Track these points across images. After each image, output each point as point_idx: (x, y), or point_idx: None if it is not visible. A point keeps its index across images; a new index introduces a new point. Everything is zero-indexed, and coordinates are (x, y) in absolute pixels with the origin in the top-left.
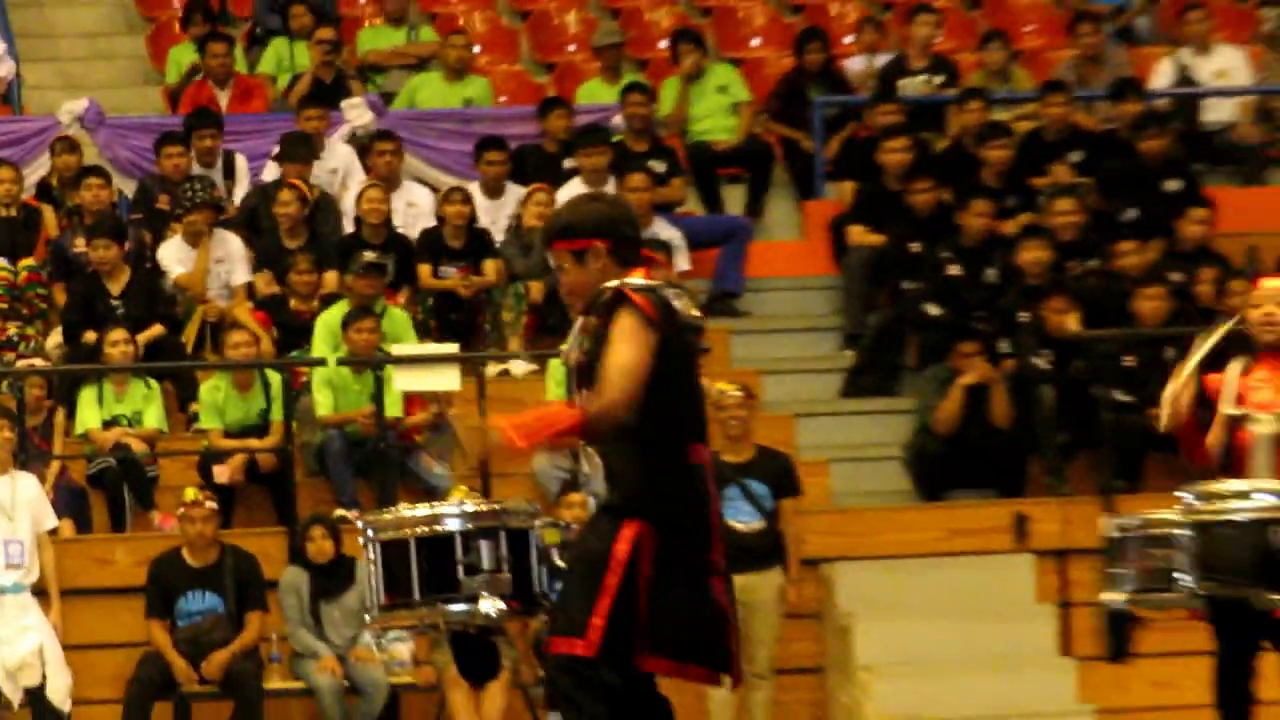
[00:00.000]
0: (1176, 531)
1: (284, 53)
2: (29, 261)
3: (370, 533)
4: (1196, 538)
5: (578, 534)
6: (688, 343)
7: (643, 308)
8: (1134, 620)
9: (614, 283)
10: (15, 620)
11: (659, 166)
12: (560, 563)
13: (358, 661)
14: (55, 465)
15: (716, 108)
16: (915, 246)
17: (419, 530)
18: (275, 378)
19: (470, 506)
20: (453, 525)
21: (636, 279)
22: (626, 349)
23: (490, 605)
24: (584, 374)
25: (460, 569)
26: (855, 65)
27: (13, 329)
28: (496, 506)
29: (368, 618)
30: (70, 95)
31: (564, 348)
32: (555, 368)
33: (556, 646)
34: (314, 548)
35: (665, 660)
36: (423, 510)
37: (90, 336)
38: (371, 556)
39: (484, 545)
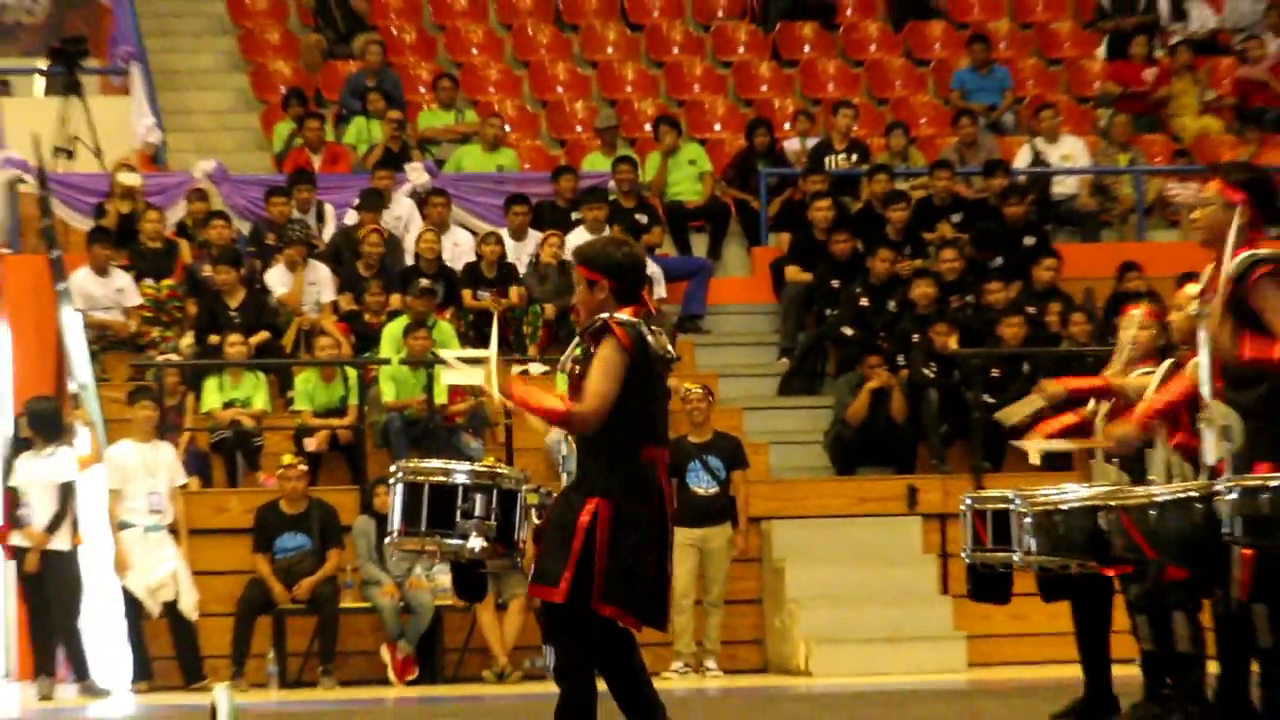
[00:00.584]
0: (1022, 510)
1: (362, 129)
2: (169, 282)
3: (398, 474)
4: (1038, 518)
5: (553, 502)
6: (654, 370)
7: (620, 339)
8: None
9: (605, 315)
10: (155, 552)
11: (643, 219)
12: (536, 520)
13: (411, 588)
14: (185, 436)
15: (687, 176)
16: (835, 283)
17: (433, 479)
18: (352, 373)
19: (474, 466)
20: (459, 479)
21: (624, 315)
22: (601, 377)
23: (476, 543)
24: (573, 381)
25: (458, 513)
26: (792, 145)
27: (155, 332)
28: (495, 469)
29: (387, 539)
30: (201, 157)
31: (563, 358)
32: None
33: (537, 593)
34: (379, 501)
35: (610, 607)
36: (439, 464)
37: (214, 339)
38: (396, 492)
39: (479, 497)
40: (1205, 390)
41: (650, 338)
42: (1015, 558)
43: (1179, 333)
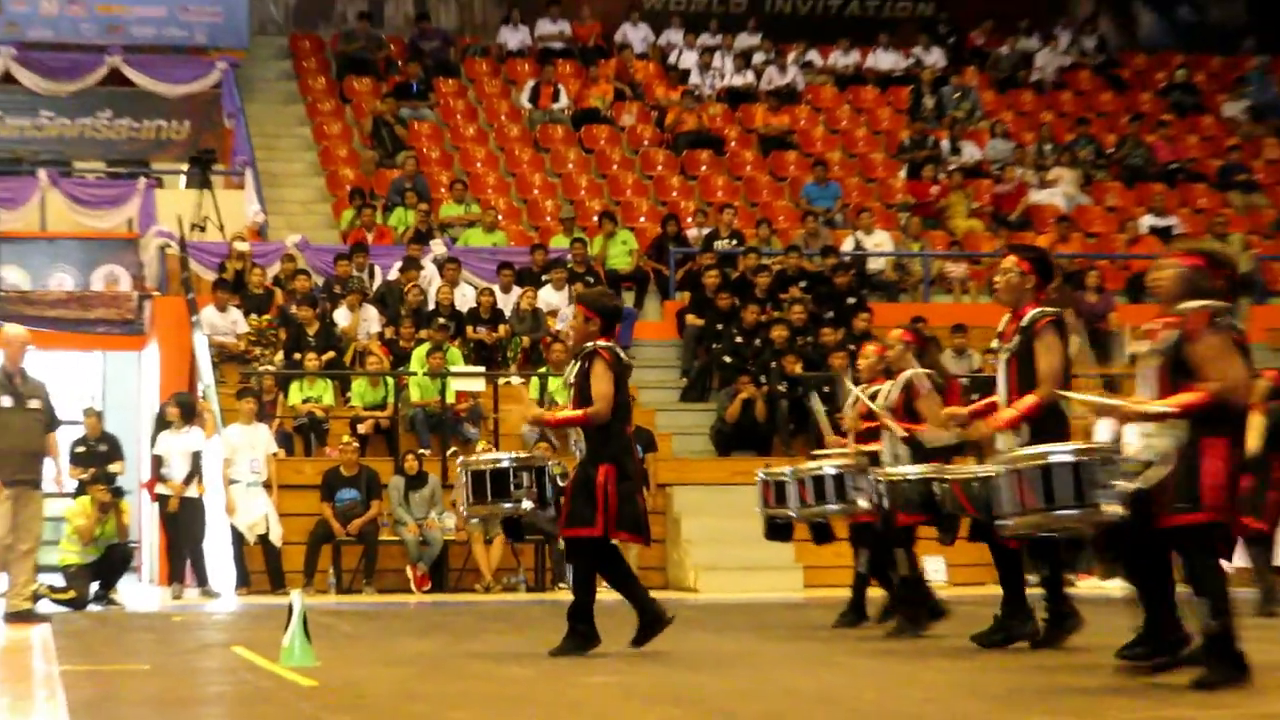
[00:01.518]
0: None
1: (401, 216)
2: (268, 317)
3: (464, 467)
4: (805, 483)
5: (573, 470)
6: (625, 377)
7: (606, 358)
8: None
9: (592, 344)
10: (253, 500)
11: (590, 280)
12: (562, 484)
13: (428, 527)
14: (276, 422)
15: (621, 252)
16: (719, 327)
17: (490, 466)
18: (390, 381)
19: (515, 454)
20: (506, 464)
21: (605, 342)
22: (601, 384)
23: (526, 504)
24: (576, 391)
25: (512, 485)
26: (692, 233)
27: (257, 351)
28: (531, 455)
29: (462, 510)
30: (291, 232)
31: (564, 376)
32: (534, 383)
33: (575, 533)
34: (407, 466)
35: (625, 534)
36: (489, 455)
37: (297, 356)
38: (463, 479)
39: (524, 474)
40: (1004, 398)
41: (622, 355)
42: (791, 512)
43: (889, 361)
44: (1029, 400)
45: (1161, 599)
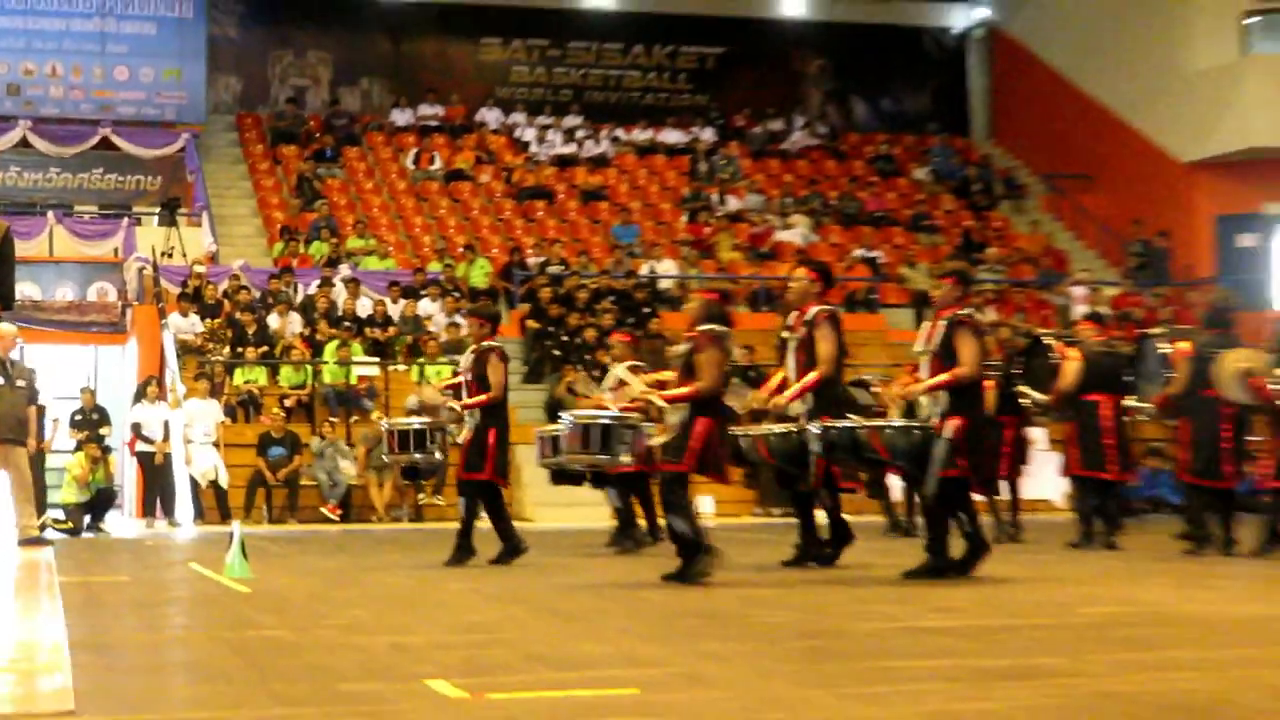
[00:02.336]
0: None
1: (319, 246)
2: (219, 320)
3: (390, 427)
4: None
5: (469, 432)
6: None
7: (500, 353)
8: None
9: (487, 343)
10: (206, 455)
11: (456, 295)
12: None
13: (340, 472)
14: (224, 397)
15: (480, 274)
16: (551, 329)
17: (408, 427)
18: (309, 368)
19: (615, 413)
20: (418, 425)
21: (494, 341)
22: (498, 374)
23: (439, 455)
24: (468, 381)
25: (428, 442)
26: (531, 261)
27: (211, 345)
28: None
29: (386, 458)
30: (237, 258)
31: (462, 365)
32: (414, 369)
33: (469, 476)
34: (324, 430)
35: (499, 479)
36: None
37: (240, 350)
38: (387, 436)
39: (437, 434)
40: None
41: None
42: (562, 459)
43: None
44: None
45: (808, 521)
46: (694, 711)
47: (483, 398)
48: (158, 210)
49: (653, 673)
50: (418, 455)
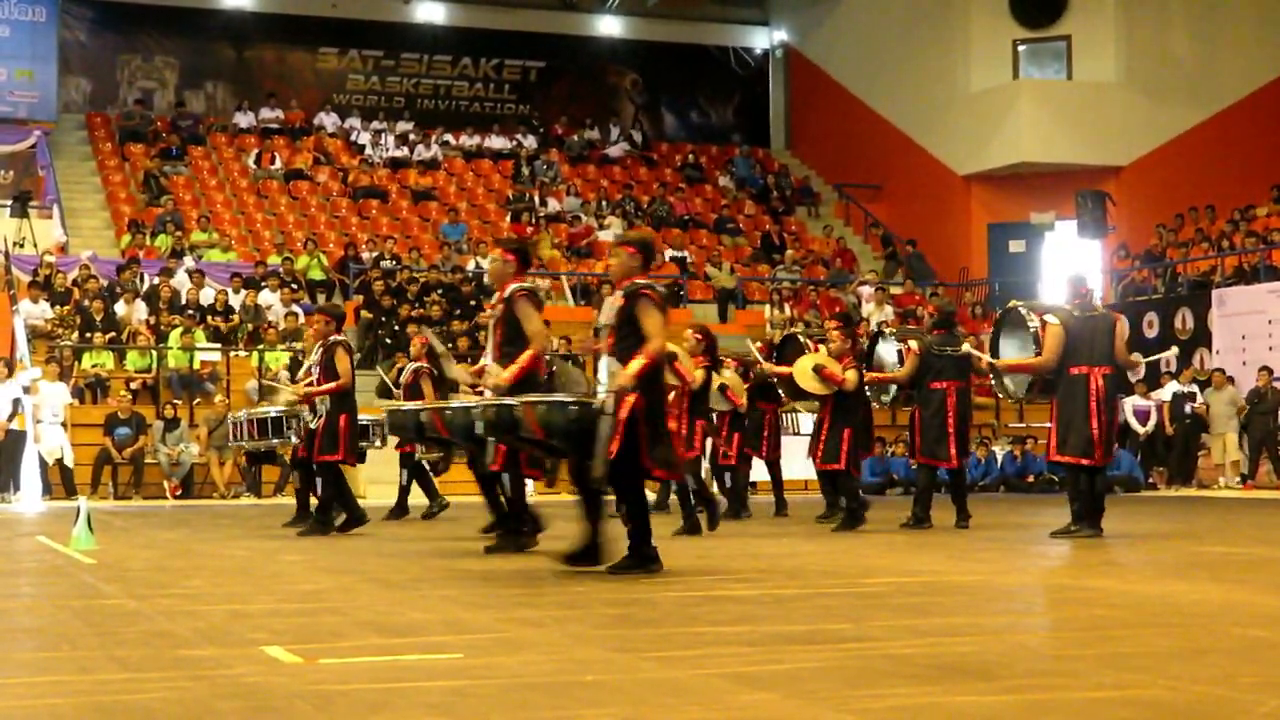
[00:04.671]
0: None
1: (164, 239)
2: (69, 308)
3: (248, 415)
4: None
5: (324, 416)
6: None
7: (347, 347)
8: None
9: (335, 338)
10: (54, 434)
11: (295, 286)
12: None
13: (182, 454)
14: (73, 380)
15: (317, 266)
16: (383, 319)
17: (265, 415)
18: (154, 352)
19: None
20: (275, 414)
21: (340, 336)
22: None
23: (294, 440)
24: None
25: (285, 428)
26: (365, 255)
27: (61, 331)
28: (293, 408)
29: (243, 444)
30: (85, 249)
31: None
32: (254, 355)
33: (325, 457)
34: (166, 412)
35: (351, 457)
36: (266, 408)
37: (88, 335)
38: (244, 422)
39: (294, 420)
40: (491, 355)
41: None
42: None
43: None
44: (526, 355)
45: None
46: (513, 673)
47: (332, 385)
48: (10, 203)
49: (474, 638)
50: (275, 440)
